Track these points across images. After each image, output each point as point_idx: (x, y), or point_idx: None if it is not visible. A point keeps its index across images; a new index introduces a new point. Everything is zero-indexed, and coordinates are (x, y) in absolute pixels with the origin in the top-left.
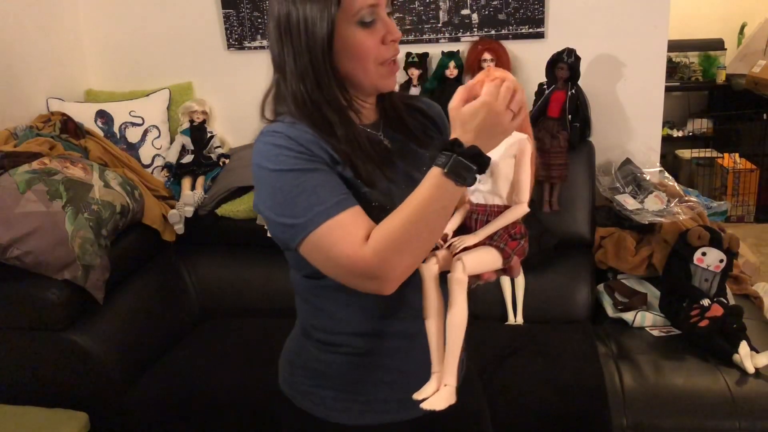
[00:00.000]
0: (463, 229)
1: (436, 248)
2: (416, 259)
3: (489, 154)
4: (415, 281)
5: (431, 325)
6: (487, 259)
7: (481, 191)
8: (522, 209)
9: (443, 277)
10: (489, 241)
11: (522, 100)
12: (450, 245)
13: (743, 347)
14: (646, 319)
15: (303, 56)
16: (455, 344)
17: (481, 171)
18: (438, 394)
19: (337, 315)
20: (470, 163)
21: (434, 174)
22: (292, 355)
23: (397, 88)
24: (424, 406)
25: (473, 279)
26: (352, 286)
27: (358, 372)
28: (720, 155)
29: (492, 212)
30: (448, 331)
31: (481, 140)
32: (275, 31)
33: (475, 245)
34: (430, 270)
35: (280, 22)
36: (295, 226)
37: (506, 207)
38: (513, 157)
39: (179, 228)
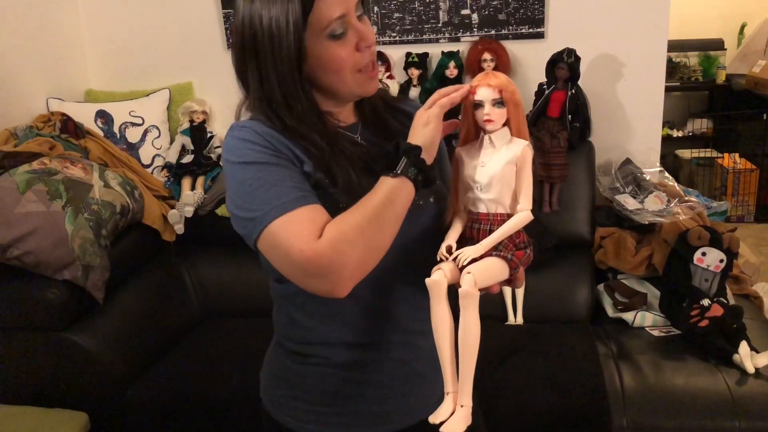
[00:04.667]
0: (463, 240)
1: (441, 261)
2: (369, 255)
3: (490, 164)
4: (384, 289)
5: (442, 343)
6: (496, 271)
7: (482, 200)
8: (526, 217)
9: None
10: (494, 251)
11: (443, 97)
12: (455, 258)
13: (743, 347)
14: (646, 319)
15: (270, 78)
16: (470, 362)
17: (413, 161)
18: (455, 416)
19: (307, 325)
20: (394, 153)
21: (381, 177)
22: (268, 365)
23: (397, 89)
24: (443, 430)
25: (482, 289)
26: (305, 287)
27: (330, 384)
28: (720, 155)
29: (495, 221)
30: (461, 349)
31: (412, 138)
32: (239, 51)
33: (481, 256)
34: (439, 284)
35: (245, 41)
36: (252, 219)
37: (509, 215)
38: (514, 165)
39: (179, 228)
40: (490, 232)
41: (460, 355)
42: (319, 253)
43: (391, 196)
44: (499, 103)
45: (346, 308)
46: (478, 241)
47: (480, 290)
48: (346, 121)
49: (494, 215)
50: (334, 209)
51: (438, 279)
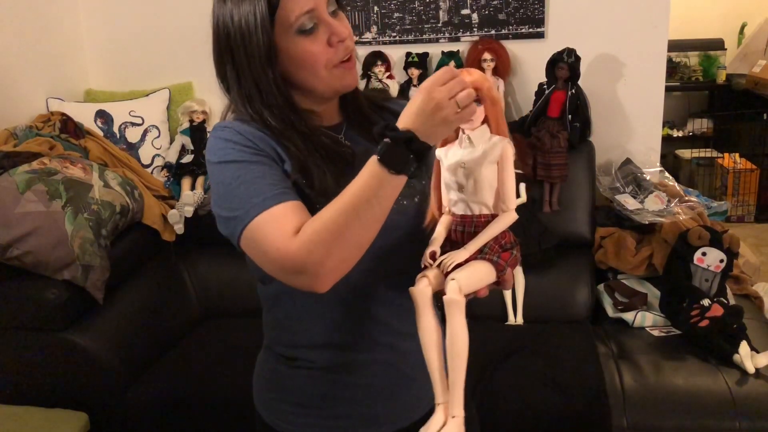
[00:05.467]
0: (448, 243)
1: (426, 268)
2: (347, 254)
3: (470, 164)
4: (368, 291)
5: (430, 353)
6: (482, 275)
7: (465, 201)
8: (510, 217)
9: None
10: (480, 254)
11: (471, 95)
12: (440, 263)
13: (743, 347)
14: (647, 319)
15: (246, 77)
16: (459, 371)
17: (418, 158)
18: (447, 428)
19: (292, 328)
20: (403, 148)
21: (370, 162)
22: (258, 368)
23: (397, 89)
24: None
25: (468, 294)
26: (287, 283)
27: (317, 387)
28: (720, 155)
29: (479, 223)
30: (449, 358)
31: (418, 126)
32: (216, 53)
33: (466, 260)
34: (423, 293)
35: (221, 41)
36: (234, 219)
37: (493, 216)
38: (495, 164)
39: (179, 228)
40: (475, 234)
41: (449, 365)
42: (294, 251)
43: (380, 190)
44: (475, 101)
45: (330, 310)
46: (462, 245)
47: (466, 295)
48: (330, 121)
49: (478, 217)
50: (312, 211)
51: (422, 288)
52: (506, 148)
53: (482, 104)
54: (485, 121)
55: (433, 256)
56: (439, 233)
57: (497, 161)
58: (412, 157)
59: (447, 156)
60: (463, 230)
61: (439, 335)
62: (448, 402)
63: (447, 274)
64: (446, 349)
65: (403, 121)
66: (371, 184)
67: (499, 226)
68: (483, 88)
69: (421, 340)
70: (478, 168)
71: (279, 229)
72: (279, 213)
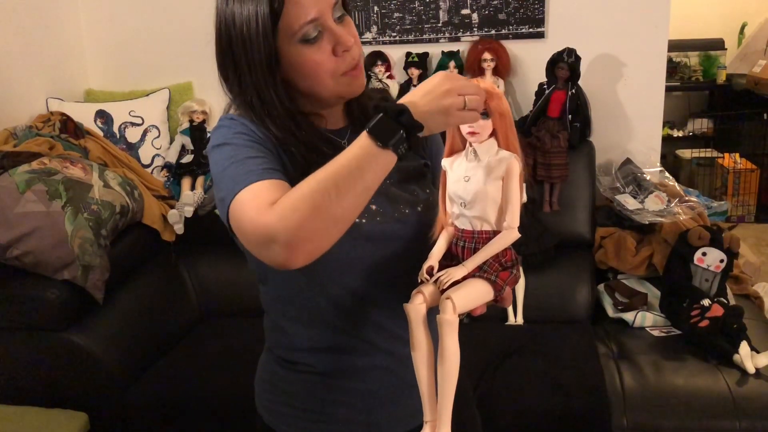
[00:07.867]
0: (448, 257)
1: (422, 283)
2: (321, 225)
3: (474, 179)
4: (368, 296)
5: (421, 370)
6: (478, 294)
7: (467, 216)
8: (512, 235)
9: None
10: (478, 272)
11: (480, 104)
12: (437, 280)
13: (743, 347)
14: (647, 319)
15: (248, 85)
16: (449, 391)
17: (409, 136)
18: None
19: (290, 330)
20: (393, 120)
21: (361, 135)
22: (260, 370)
23: (397, 89)
24: None
25: (462, 314)
26: (262, 259)
27: (316, 391)
28: (720, 155)
29: (480, 239)
30: (440, 377)
31: (420, 104)
32: (218, 54)
33: (464, 278)
34: (418, 311)
35: (223, 43)
36: (223, 200)
37: (495, 233)
38: (500, 179)
39: (179, 228)
40: (475, 250)
41: (439, 384)
42: (266, 220)
43: (364, 163)
44: (483, 113)
45: (329, 314)
46: (462, 260)
47: (460, 314)
48: (334, 125)
49: (479, 233)
50: None
51: (416, 305)
52: (512, 164)
53: (490, 117)
54: (493, 135)
55: (430, 272)
56: (439, 247)
57: (502, 177)
58: (402, 133)
59: (452, 168)
60: (464, 245)
61: (431, 352)
62: (435, 420)
63: (443, 291)
64: (438, 368)
65: (408, 96)
66: (356, 156)
67: (500, 245)
68: (491, 101)
69: (413, 356)
70: (481, 183)
71: (256, 201)
72: (260, 188)
